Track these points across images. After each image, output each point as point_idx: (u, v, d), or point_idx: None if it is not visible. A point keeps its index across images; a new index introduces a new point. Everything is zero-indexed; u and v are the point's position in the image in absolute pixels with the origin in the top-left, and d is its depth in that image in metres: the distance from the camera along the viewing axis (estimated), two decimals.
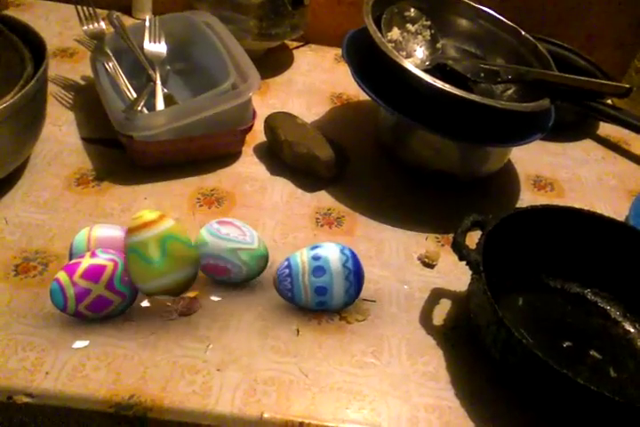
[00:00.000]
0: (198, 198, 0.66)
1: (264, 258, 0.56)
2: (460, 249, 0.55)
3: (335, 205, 0.68)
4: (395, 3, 0.75)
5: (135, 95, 0.69)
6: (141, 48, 0.73)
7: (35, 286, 0.54)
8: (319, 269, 0.54)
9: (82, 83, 0.79)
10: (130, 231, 0.51)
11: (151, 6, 0.92)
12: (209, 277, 0.57)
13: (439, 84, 0.62)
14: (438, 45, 0.77)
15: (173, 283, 0.53)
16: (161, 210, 0.62)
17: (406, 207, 0.70)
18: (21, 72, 0.59)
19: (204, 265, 0.55)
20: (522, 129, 0.68)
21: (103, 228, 0.55)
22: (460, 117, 0.64)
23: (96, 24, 0.73)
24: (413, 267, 0.63)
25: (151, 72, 0.72)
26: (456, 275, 0.62)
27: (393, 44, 0.73)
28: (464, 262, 0.54)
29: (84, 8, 0.73)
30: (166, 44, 0.74)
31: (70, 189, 0.64)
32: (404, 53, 0.75)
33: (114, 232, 0.55)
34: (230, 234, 0.55)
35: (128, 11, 0.92)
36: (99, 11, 0.74)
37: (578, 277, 0.62)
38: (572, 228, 0.61)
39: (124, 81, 0.71)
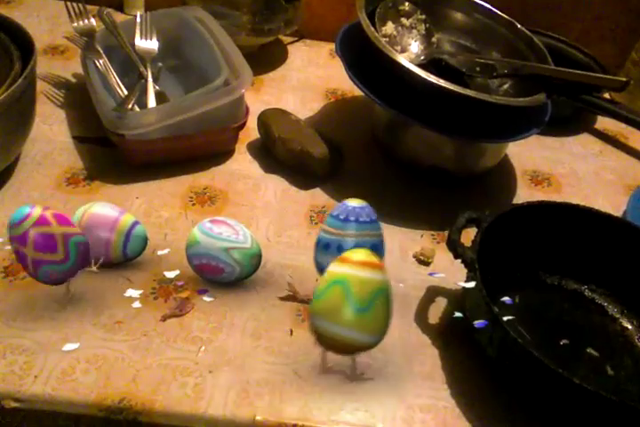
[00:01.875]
0: (191, 197, 0.65)
1: (257, 257, 0.56)
2: (454, 247, 0.54)
3: (330, 202, 0.68)
4: None
5: (126, 93, 0.68)
6: (132, 45, 0.73)
7: (24, 289, 0.53)
8: None
9: (73, 80, 0.78)
10: (345, 261, 0.45)
11: (143, 2, 0.91)
12: (201, 277, 0.56)
13: (434, 79, 0.61)
14: (433, 40, 0.76)
15: (359, 341, 0.46)
16: (153, 209, 0.62)
17: (401, 204, 0.69)
18: (9, 70, 0.58)
19: (196, 265, 0.55)
20: (518, 124, 0.67)
21: (100, 206, 0.54)
22: (456, 113, 0.63)
23: (86, 21, 0.73)
24: (409, 265, 0.62)
25: (142, 69, 0.71)
26: (452, 272, 0.61)
27: (387, 39, 0.72)
28: (460, 260, 0.54)
29: (75, 4, 0.72)
30: (158, 40, 0.74)
31: (61, 189, 0.63)
32: (399, 48, 0.74)
33: (109, 211, 0.54)
34: (223, 233, 0.54)
35: (119, 7, 0.91)
36: (89, 7, 0.73)
37: (575, 273, 0.61)
38: (569, 224, 0.60)
39: (115, 78, 0.70)
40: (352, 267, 0.45)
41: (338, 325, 0.45)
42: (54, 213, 0.49)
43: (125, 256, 0.55)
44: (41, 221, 0.48)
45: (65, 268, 0.51)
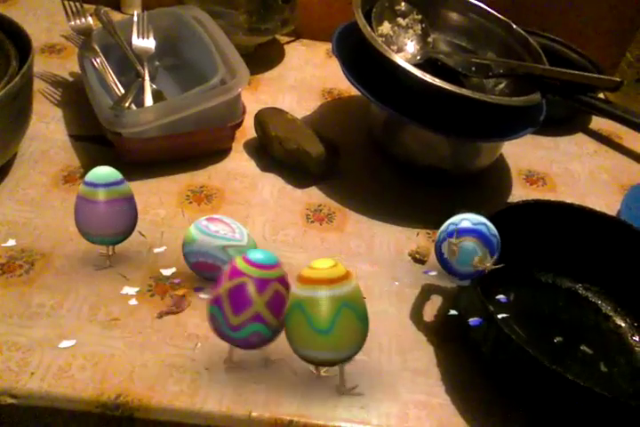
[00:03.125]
0: (187, 195, 0.65)
1: None
2: None
3: (326, 201, 0.68)
4: None
5: (123, 91, 0.69)
6: (129, 44, 0.73)
7: (20, 286, 0.53)
8: None
9: (70, 79, 0.78)
10: (301, 280, 0.44)
11: (140, 1, 0.91)
12: (198, 275, 0.56)
13: (429, 78, 0.61)
14: (429, 39, 0.77)
15: (330, 359, 0.45)
16: (150, 207, 0.63)
17: (397, 203, 0.69)
18: (6, 69, 0.58)
19: (192, 263, 0.55)
20: (513, 123, 0.68)
21: None
22: (452, 112, 0.63)
23: (84, 19, 0.73)
24: (404, 263, 0.62)
25: (139, 68, 0.72)
26: None
27: (383, 39, 0.73)
28: None
29: (72, 3, 0.72)
30: (155, 39, 0.74)
31: (57, 187, 0.63)
32: (395, 48, 0.75)
33: None
34: (219, 231, 0.54)
35: (116, 6, 0.91)
36: (86, 6, 0.73)
37: (569, 272, 0.62)
38: (564, 222, 0.60)
39: (112, 77, 0.70)
40: (306, 288, 0.43)
41: (307, 349, 0.45)
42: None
43: None
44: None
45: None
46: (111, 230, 0.53)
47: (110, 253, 0.56)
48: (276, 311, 0.44)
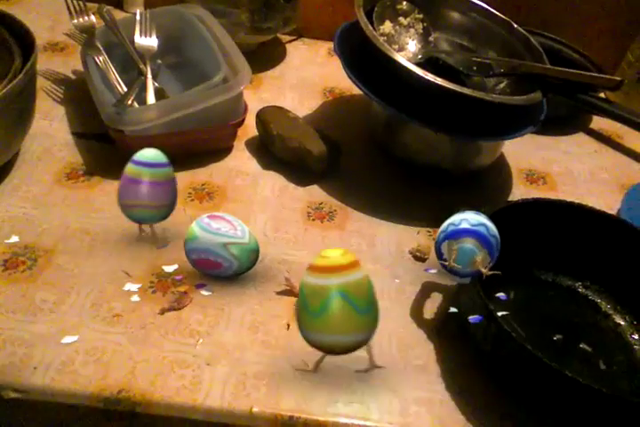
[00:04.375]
0: (189, 193, 0.66)
1: (255, 252, 0.56)
2: None
3: (327, 199, 0.68)
4: None
5: (126, 89, 0.69)
6: (132, 42, 0.73)
7: (23, 282, 0.53)
8: None
9: (72, 77, 0.78)
10: (309, 268, 0.45)
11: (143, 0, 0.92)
12: (200, 272, 0.56)
13: (431, 77, 0.62)
14: (431, 39, 0.77)
15: (326, 343, 0.46)
16: None
17: (398, 201, 0.70)
18: (9, 66, 0.59)
19: (194, 260, 0.55)
20: (514, 122, 0.68)
21: None
22: (453, 111, 0.63)
23: (86, 18, 0.73)
24: (405, 261, 0.63)
25: (142, 66, 0.72)
26: None
27: (385, 38, 0.73)
28: None
29: (75, 2, 0.73)
30: (157, 37, 0.74)
31: (60, 184, 0.63)
32: (397, 47, 0.75)
33: None
34: (221, 228, 0.55)
35: (119, 4, 0.92)
36: (89, 4, 0.74)
37: (569, 270, 0.62)
38: (564, 221, 0.61)
39: (114, 75, 0.70)
40: (308, 274, 0.45)
41: (307, 330, 0.46)
42: None
43: None
44: None
45: None
46: (153, 209, 0.56)
47: (148, 231, 0.59)
48: None
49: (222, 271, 0.55)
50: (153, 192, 0.55)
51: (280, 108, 0.74)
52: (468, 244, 0.50)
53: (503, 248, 0.52)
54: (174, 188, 0.57)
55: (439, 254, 0.52)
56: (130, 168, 0.54)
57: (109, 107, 0.63)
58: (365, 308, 0.45)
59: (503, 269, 0.59)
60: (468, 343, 0.54)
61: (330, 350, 0.47)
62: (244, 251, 0.55)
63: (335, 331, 0.45)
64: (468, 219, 0.51)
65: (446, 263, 0.50)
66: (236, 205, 0.65)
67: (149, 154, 0.55)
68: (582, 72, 0.69)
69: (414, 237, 0.66)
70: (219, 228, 0.54)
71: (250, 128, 0.73)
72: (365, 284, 0.46)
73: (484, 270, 0.50)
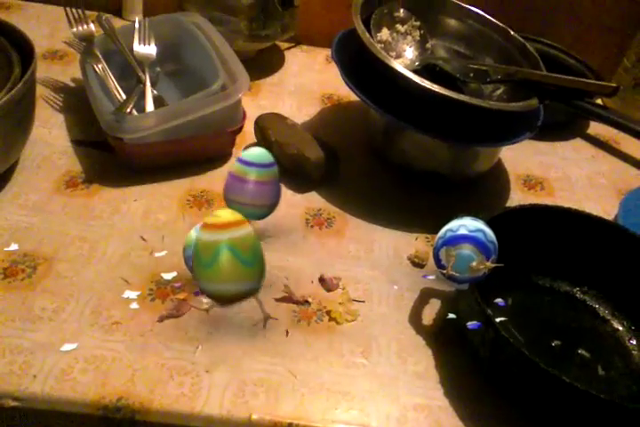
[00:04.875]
0: (188, 200, 0.66)
1: None
2: None
3: (325, 205, 0.69)
4: (384, 3, 0.75)
5: (125, 97, 0.69)
6: (131, 50, 0.73)
7: (23, 290, 0.53)
8: None
9: (72, 85, 0.79)
10: (202, 226, 0.49)
11: (142, 8, 0.92)
12: None
13: (428, 84, 0.62)
14: (428, 46, 0.77)
15: (217, 291, 0.51)
16: (151, 212, 0.63)
17: (396, 207, 0.70)
18: (9, 74, 0.59)
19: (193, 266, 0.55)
20: (511, 129, 0.68)
21: None
22: (450, 118, 0.64)
23: (85, 26, 0.73)
24: (403, 267, 0.63)
25: (141, 74, 0.72)
26: None
27: (382, 45, 0.73)
28: None
29: (74, 10, 0.73)
30: (156, 45, 0.74)
31: (59, 192, 0.64)
32: (394, 54, 0.75)
33: None
34: None
35: (118, 12, 0.92)
36: (88, 13, 0.74)
37: (567, 276, 0.62)
38: (562, 227, 0.61)
39: (113, 83, 0.71)
40: (201, 231, 0.49)
41: (201, 280, 0.50)
42: None
43: None
44: None
45: None
46: (256, 208, 0.57)
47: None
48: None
49: None
50: (256, 191, 0.55)
51: (278, 115, 0.74)
52: (466, 250, 0.50)
53: (501, 254, 0.52)
54: (278, 188, 0.57)
55: (437, 261, 0.52)
56: (236, 167, 0.55)
57: (108, 115, 0.63)
58: (251, 260, 0.50)
59: (501, 274, 0.60)
60: (466, 349, 0.54)
61: (220, 297, 0.51)
62: None
63: (223, 280, 0.50)
64: (465, 225, 0.51)
65: (445, 271, 0.51)
66: None
67: (255, 153, 0.55)
68: (578, 79, 0.70)
69: (412, 243, 0.66)
70: None
71: (248, 135, 0.74)
72: (251, 239, 0.50)
73: (487, 263, 0.50)
